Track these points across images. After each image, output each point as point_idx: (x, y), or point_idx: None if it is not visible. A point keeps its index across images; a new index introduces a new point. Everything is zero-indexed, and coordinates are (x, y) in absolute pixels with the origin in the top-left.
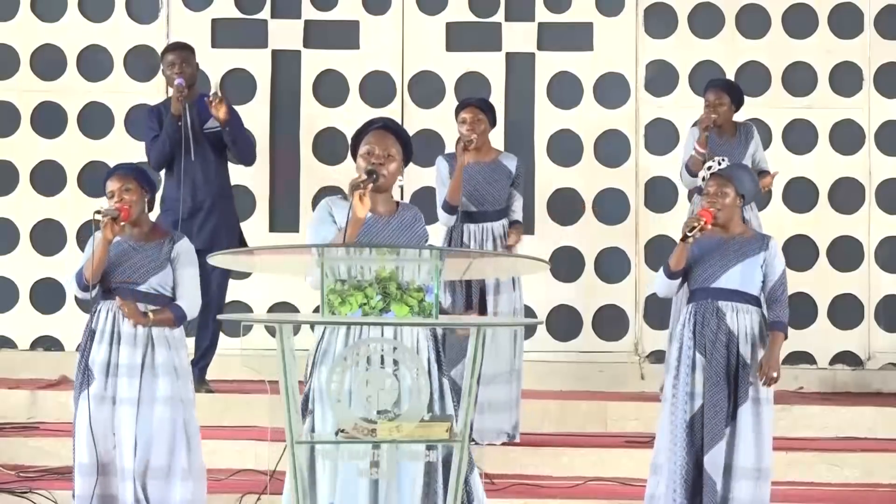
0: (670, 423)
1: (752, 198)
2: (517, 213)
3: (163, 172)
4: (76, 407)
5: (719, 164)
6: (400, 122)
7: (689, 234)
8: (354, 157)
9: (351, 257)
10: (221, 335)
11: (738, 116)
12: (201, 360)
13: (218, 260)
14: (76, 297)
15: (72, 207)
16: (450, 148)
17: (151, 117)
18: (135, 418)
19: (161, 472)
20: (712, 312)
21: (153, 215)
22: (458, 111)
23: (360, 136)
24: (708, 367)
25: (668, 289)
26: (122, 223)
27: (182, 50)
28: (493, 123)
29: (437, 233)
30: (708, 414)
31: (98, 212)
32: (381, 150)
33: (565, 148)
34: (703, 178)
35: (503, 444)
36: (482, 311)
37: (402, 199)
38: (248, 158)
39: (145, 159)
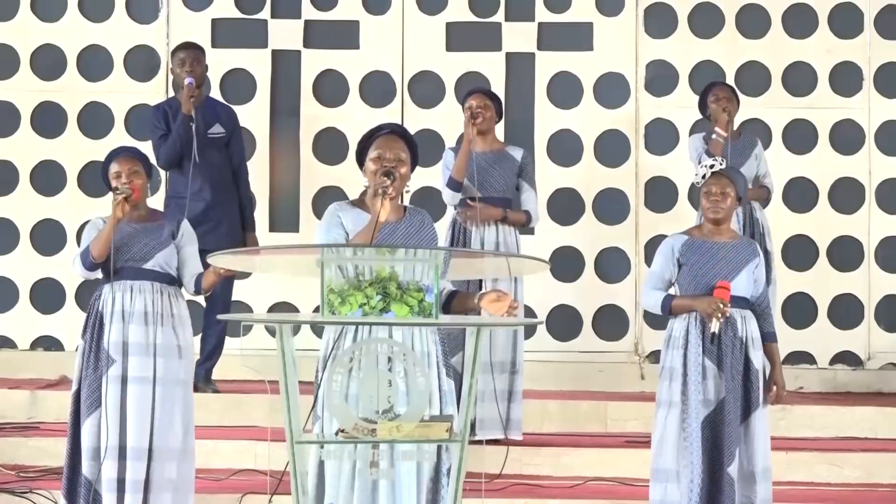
0: (680, 430)
1: (742, 203)
2: (527, 204)
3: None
4: (96, 391)
5: (720, 164)
6: (400, 122)
7: (717, 323)
8: (360, 163)
9: (357, 258)
10: None
11: (738, 117)
12: (207, 361)
13: (218, 260)
14: (75, 296)
15: (72, 207)
16: (451, 146)
17: (157, 116)
18: (151, 397)
19: (166, 453)
20: (725, 320)
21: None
22: (464, 100)
23: (366, 141)
24: (727, 375)
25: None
26: (129, 204)
27: (193, 49)
28: (499, 115)
29: (442, 222)
30: (730, 422)
31: (117, 188)
32: (392, 154)
33: (565, 148)
34: (703, 177)
35: (501, 442)
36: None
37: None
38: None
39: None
